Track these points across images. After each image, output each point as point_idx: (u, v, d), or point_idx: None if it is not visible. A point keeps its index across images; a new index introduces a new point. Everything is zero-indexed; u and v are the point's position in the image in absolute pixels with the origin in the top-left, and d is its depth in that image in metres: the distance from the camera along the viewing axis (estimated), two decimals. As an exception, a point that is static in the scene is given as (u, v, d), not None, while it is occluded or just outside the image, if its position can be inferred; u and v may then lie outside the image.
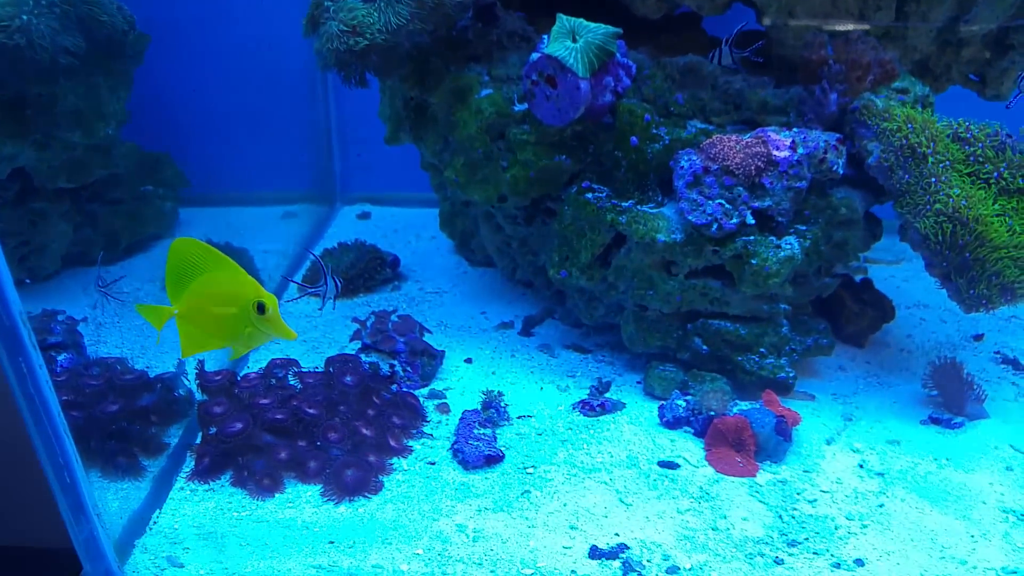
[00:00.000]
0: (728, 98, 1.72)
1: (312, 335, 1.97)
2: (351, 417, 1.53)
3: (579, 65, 1.57)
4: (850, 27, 1.68)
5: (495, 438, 1.55)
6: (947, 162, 1.56)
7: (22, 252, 2.11)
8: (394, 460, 1.51)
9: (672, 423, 1.61)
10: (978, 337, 2.00)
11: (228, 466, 1.46)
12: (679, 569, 1.27)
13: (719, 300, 1.66)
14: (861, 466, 1.52)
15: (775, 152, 1.57)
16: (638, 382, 1.77)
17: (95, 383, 1.51)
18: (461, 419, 1.59)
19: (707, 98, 1.72)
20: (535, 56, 1.62)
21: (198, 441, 1.52)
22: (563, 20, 1.60)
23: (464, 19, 1.85)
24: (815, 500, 1.42)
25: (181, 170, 2.51)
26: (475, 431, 1.54)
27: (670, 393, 1.68)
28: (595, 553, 1.29)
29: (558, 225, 1.76)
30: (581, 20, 1.60)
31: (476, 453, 1.49)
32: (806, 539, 1.34)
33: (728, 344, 1.68)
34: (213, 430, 1.48)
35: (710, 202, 1.57)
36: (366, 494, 1.41)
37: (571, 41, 1.59)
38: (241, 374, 1.65)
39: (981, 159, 1.60)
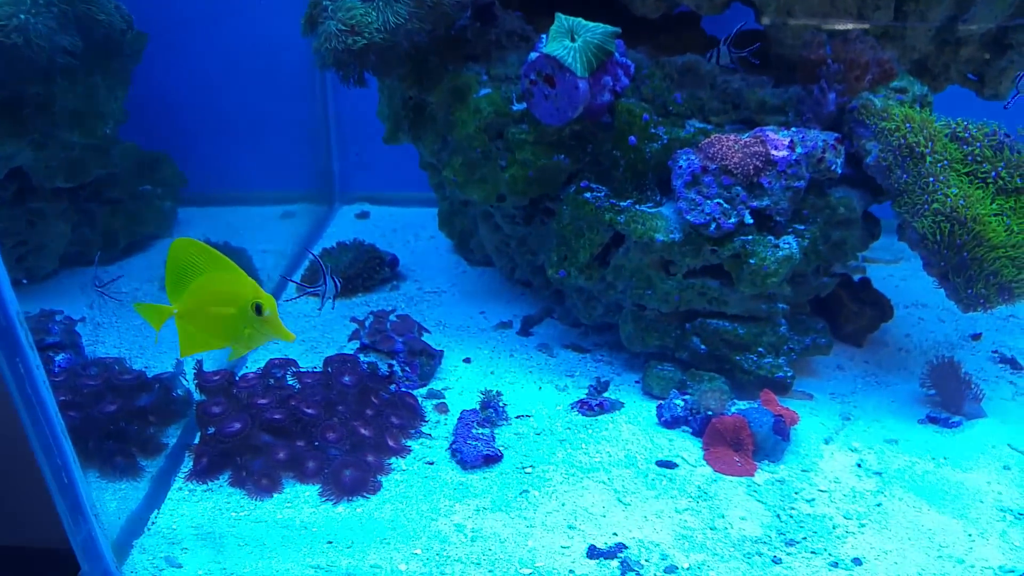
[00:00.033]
0: (727, 97, 1.72)
1: (311, 335, 1.97)
2: (349, 417, 1.53)
3: (577, 64, 1.57)
4: (849, 26, 1.68)
5: (493, 438, 1.55)
6: (945, 161, 1.56)
7: (20, 252, 2.11)
8: (392, 460, 1.51)
9: (670, 422, 1.61)
10: (976, 336, 2.00)
11: (226, 466, 1.46)
12: (677, 568, 1.27)
13: (717, 300, 1.66)
14: (859, 465, 1.52)
15: (773, 152, 1.57)
16: (636, 381, 1.77)
17: (93, 383, 1.51)
18: (459, 419, 1.59)
19: (706, 97, 1.72)
20: (533, 55, 1.62)
21: (196, 441, 1.52)
22: (561, 19, 1.60)
23: (463, 18, 1.85)
24: (813, 499, 1.43)
25: (180, 169, 2.50)
26: (473, 431, 1.54)
27: (668, 392, 1.68)
28: (593, 553, 1.29)
29: (556, 225, 1.76)
30: (579, 19, 1.60)
31: (474, 453, 1.49)
32: (804, 538, 1.34)
33: (726, 343, 1.68)
34: (211, 430, 1.48)
35: (708, 202, 1.57)
36: (364, 494, 1.41)
37: (569, 40, 1.59)
38: (239, 374, 1.65)
39: (979, 158, 1.60)
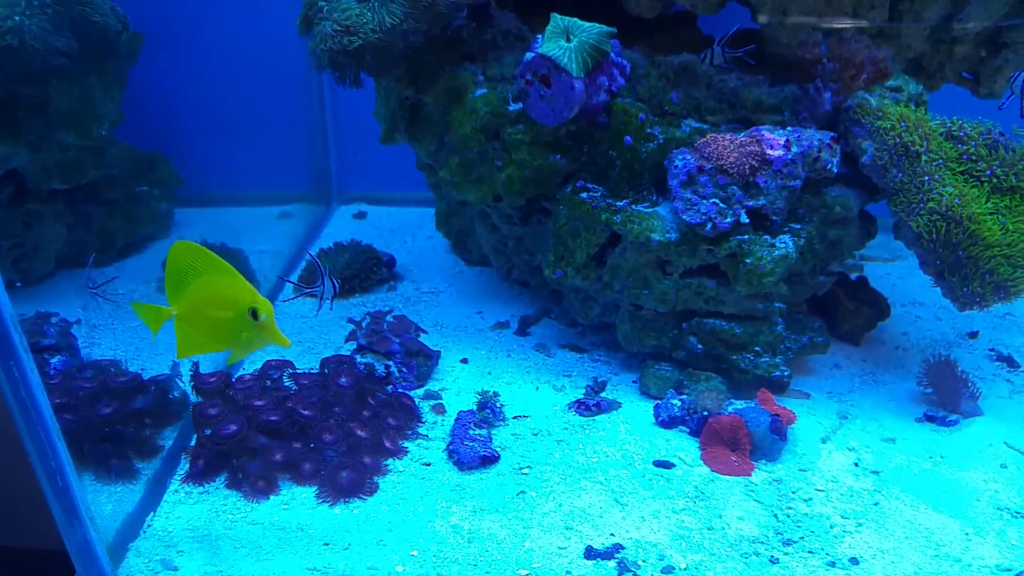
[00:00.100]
0: (723, 97, 1.72)
1: (307, 336, 1.96)
2: (346, 418, 1.53)
3: (573, 64, 1.57)
4: (845, 25, 1.68)
5: (491, 438, 1.55)
6: (940, 160, 1.56)
7: (16, 254, 2.10)
8: (389, 461, 1.51)
9: (667, 422, 1.61)
10: (973, 335, 2.00)
11: (223, 468, 1.46)
12: (674, 569, 1.27)
13: (714, 299, 1.66)
14: (856, 464, 1.52)
15: (769, 151, 1.57)
16: (634, 381, 1.77)
17: (88, 386, 1.50)
18: (457, 420, 1.59)
19: (702, 97, 1.72)
20: (529, 56, 1.62)
21: (192, 443, 1.52)
22: (557, 19, 1.60)
23: (458, 18, 1.85)
24: (810, 499, 1.43)
25: (176, 170, 2.50)
26: (471, 432, 1.54)
27: (665, 392, 1.68)
28: (591, 553, 1.29)
29: (553, 225, 1.76)
30: (575, 19, 1.59)
31: (471, 454, 1.49)
32: (801, 538, 1.34)
33: (723, 343, 1.68)
34: (208, 432, 1.48)
35: (704, 201, 1.57)
36: (361, 495, 1.41)
37: (565, 40, 1.58)
38: (236, 376, 1.65)
39: (974, 157, 1.60)
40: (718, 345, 1.68)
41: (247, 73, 2.40)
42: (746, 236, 1.59)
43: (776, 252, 1.58)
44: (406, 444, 1.56)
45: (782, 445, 1.54)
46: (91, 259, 1.84)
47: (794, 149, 1.59)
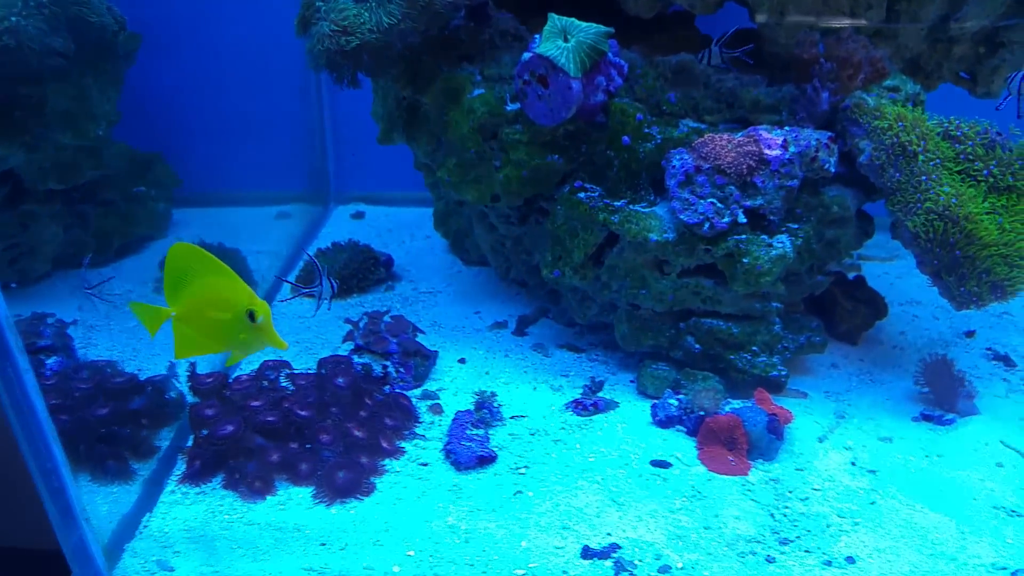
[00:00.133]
0: (720, 97, 1.72)
1: (305, 336, 1.96)
2: (343, 419, 1.53)
3: (571, 64, 1.57)
4: (843, 24, 1.68)
5: (488, 439, 1.55)
6: (937, 160, 1.57)
7: (13, 254, 2.10)
8: (386, 461, 1.51)
9: (664, 422, 1.61)
10: (970, 334, 2.00)
11: (219, 469, 1.46)
12: (671, 568, 1.27)
13: (711, 299, 1.66)
14: (853, 463, 1.52)
15: (767, 151, 1.57)
16: (631, 381, 1.77)
17: (84, 386, 1.50)
18: (454, 420, 1.59)
19: (699, 97, 1.72)
20: (527, 56, 1.62)
21: (189, 444, 1.52)
22: (554, 20, 1.60)
23: (456, 18, 1.84)
24: (807, 498, 1.43)
25: (174, 170, 2.50)
26: (468, 432, 1.54)
27: (663, 392, 1.68)
28: (587, 553, 1.29)
29: (551, 225, 1.76)
30: (573, 19, 1.59)
31: (468, 454, 1.49)
32: (798, 537, 1.34)
33: (720, 343, 1.68)
34: (204, 432, 1.48)
35: (702, 201, 1.57)
36: (358, 496, 1.41)
37: (563, 40, 1.58)
38: (233, 376, 1.65)
39: (971, 157, 1.60)
40: (715, 345, 1.68)
41: (245, 73, 2.40)
42: (743, 236, 1.59)
43: (773, 252, 1.58)
44: (403, 444, 1.56)
45: (779, 444, 1.54)
46: (86, 259, 1.84)
47: (791, 149, 1.59)
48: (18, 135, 1.99)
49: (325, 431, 1.49)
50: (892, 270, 2.31)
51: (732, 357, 1.68)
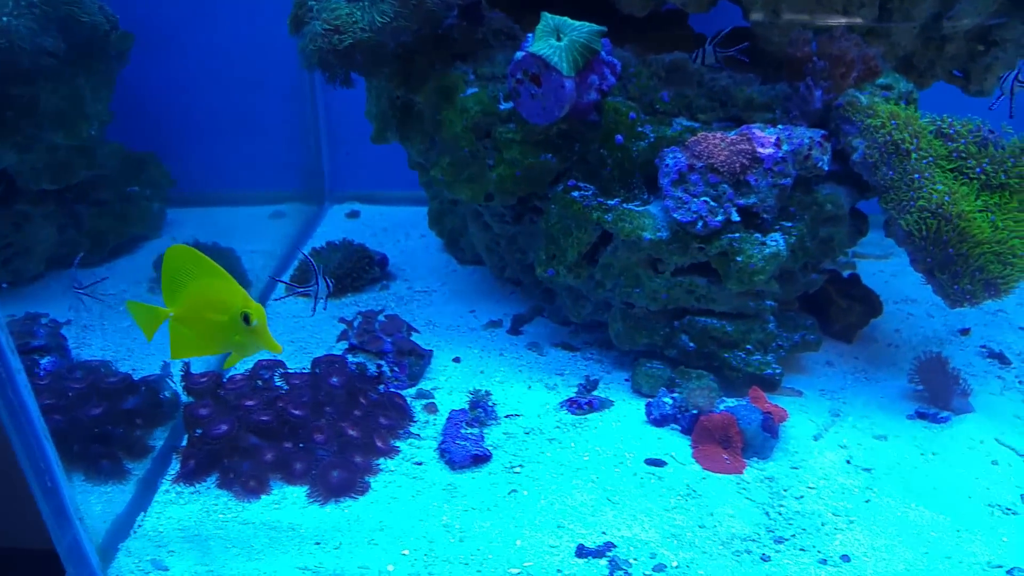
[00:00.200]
0: (714, 95, 1.72)
1: (299, 335, 1.96)
2: (337, 418, 1.52)
3: (564, 63, 1.57)
4: (837, 22, 1.69)
5: (482, 437, 1.55)
6: (930, 158, 1.57)
7: (6, 254, 2.10)
8: (381, 461, 1.51)
9: (659, 420, 1.61)
10: (964, 331, 2.00)
11: (214, 468, 1.46)
12: (666, 567, 1.27)
13: (705, 297, 1.66)
14: (848, 462, 1.52)
15: (760, 149, 1.58)
16: (626, 379, 1.77)
17: (78, 386, 1.50)
18: (448, 419, 1.59)
19: (693, 95, 1.72)
20: (520, 55, 1.62)
21: (183, 443, 1.51)
22: (547, 19, 1.60)
23: (449, 17, 1.84)
24: (802, 496, 1.43)
25: (167, 169, 2.49)
26: (462, 431, 1.54)
27: (657, 390, 1.68)
28: (582, 552, 1.29)
29: (545, 224, 1.76)
30: (566, 18, 1.59)
31: (463, 453, 1.49)
32: (793, 535, 1.34)
33: (715, 341, 1.68)
34: (199, 432, 1.47)
35: (695, 200, 1.58)
36: (352, 495, 1.41)
37: (556, 39, 1.58)
38: (227, 376, 1.64)
39: (964, 155, 1.60)
40: (710, 343, 1.69)
41: (239, 72, 2.39)
42: (737, 234, 1.59)
43: (767, 250, 1.58)
44: (398, 443, 1.55)
45: (774, 443, 1.54)
46: (77, 259, 1.84)
47: (785, 147, 1.59)
48: (10, 135, 1.99)
49: (319, 430, 1.49)
50: (887, 268, 2.32)
51: (726, 355, 1.68)
